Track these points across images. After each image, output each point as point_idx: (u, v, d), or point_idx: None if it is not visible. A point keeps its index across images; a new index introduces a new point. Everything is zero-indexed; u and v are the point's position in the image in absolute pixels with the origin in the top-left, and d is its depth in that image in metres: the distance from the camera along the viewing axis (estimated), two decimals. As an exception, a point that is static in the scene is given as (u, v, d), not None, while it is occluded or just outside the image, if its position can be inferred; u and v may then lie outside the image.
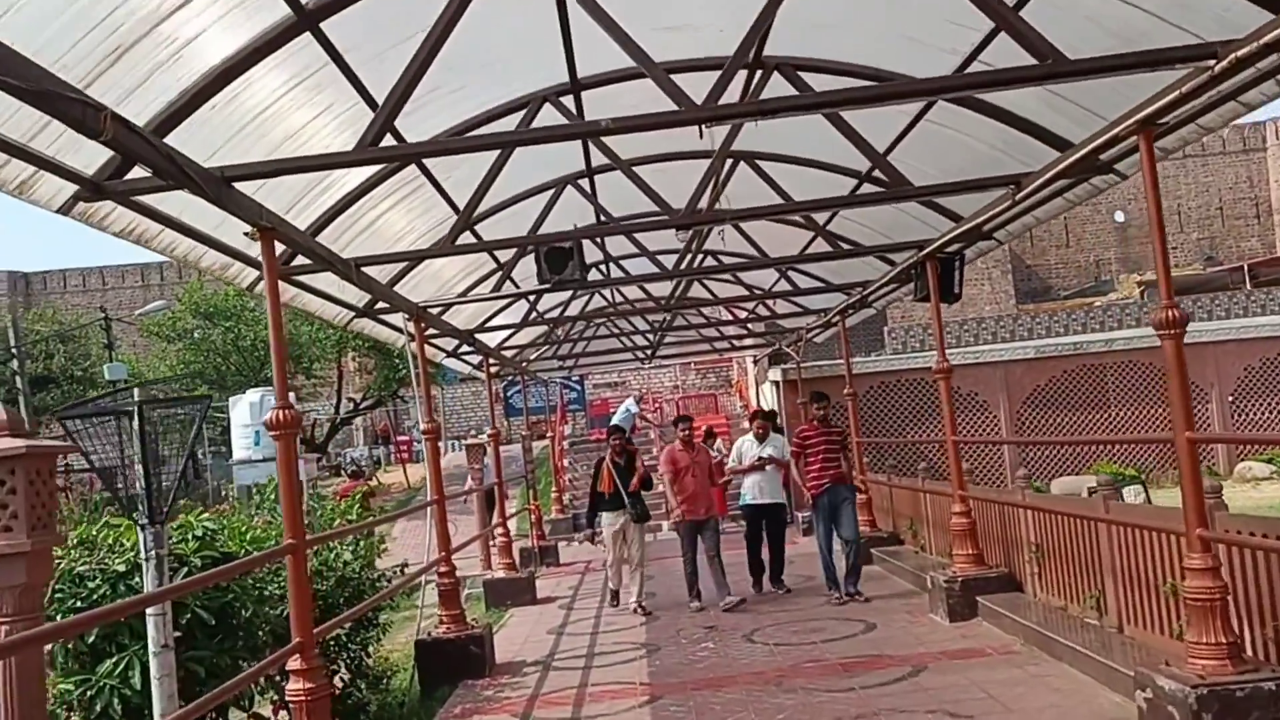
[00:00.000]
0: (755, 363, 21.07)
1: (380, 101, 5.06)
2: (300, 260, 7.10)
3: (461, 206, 7.84)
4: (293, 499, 5.26)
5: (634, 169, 8.08)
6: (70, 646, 5.77)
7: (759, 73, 7.07)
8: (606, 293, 15.28)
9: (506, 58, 6.83)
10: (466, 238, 7.88)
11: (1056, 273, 42.37)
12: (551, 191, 9.35)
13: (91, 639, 5.73)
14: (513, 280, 11.54)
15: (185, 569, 5.93)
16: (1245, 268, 38.84)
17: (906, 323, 24.99)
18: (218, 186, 4.71)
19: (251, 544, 6.85)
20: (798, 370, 17.45)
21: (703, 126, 4.81)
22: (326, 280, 7.80)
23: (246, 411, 18.78)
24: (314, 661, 5.19)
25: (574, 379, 30.83)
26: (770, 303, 15.05)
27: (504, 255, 10.44)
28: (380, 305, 9.44)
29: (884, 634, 8.64)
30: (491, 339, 14.00)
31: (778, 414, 15.34)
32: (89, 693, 5.68)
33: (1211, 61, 4.69)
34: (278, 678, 6.60)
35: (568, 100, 7.21)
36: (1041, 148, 6.97)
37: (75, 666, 5.85)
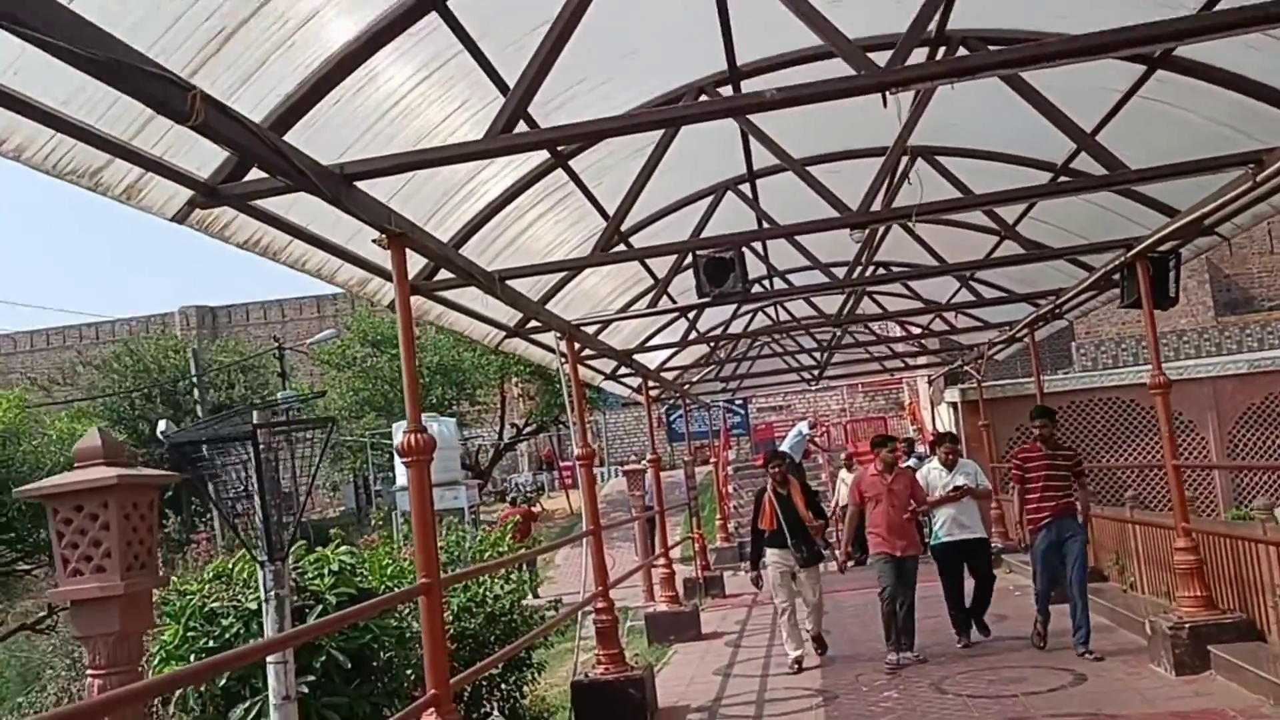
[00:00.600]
0: (931, 383, 19.87)
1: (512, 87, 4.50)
2: (442, 276, 6.67)
3: (612, 215, 7.27)
4: (428, 532, 4.72)
5: (803, 170, 7.33)
6: (203, 689, 5.41)
7: (942, 48, 6.26)
8: (770, 310, 14.55)
9: (655, 46, 6.23)
10: (619, 250, 7.27)
11: (1260, 282, 38.99)
12: (710, 199, 8.70)
13: (224, 681, 5.36)
14: (670, 296, 10.95)
15: (320, 607, 5.49)
16: None
17: (1096, 338, 23.17)
18: (337, 185, 4.23)
19: (392, 579, 6.40)
20: (979, 390, 16.21)
21: (886, 93, 4.03)
22: (472, 297, 7.36)
23: (408, 438, 18.90)
24: (451, 716, 4.62)
25: (737, 402, 30.10)
26: (949, 317, 13.97)
27: (660, 271, 9.86)
28: (531, 325, 8.98)
29: (1098, 688, 7.53)
30: (650, 360, 13.44)
31: (958, 438, 13.37)
32: (221, 741, 5.29)
33: None
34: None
35: (726, 91, 6.54)
36: (1287, 118, 5.89)
37: (210, 711, 5.48)
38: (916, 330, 15.84)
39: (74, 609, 3.45)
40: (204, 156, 4.21)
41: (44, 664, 17.55)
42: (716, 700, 8.63)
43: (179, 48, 3.67)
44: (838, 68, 4.41)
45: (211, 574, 5.83)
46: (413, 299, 6.76)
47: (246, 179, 4.34)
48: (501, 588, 7.47)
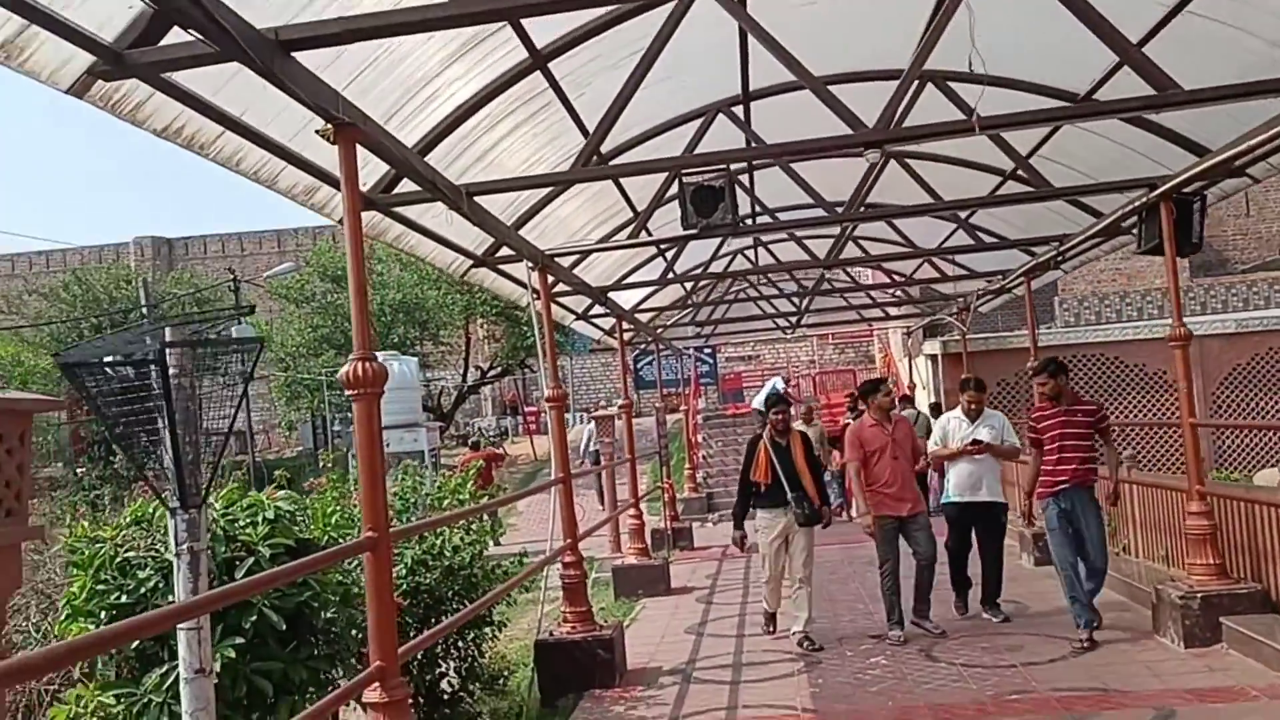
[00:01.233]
0: (910, 335, 19.31)
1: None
2: (402, 189, 5.90)
3: (592, 131, 6.50)
4: (376, 479, 4.02)
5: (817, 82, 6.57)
6: (115, 651, 4.70)
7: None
8: (750, 254, 13.85)
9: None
10: (602, 166, 6.52)
11: (1234, 244, 38.85)
12: (700, 121, 7.96)
13: (138, 642, 4.66)
14: (648, 230, 10.22)
15: (252, 560, 4.79)
16: None
17: (1073, 294, 22.72)
18: (271, 53, 3.47)
19: (338, 530, 5.70)
20: (963, 342, 15.64)
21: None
22: (435, 216, 6.59)
23: (368, 376, 18.02)
24: (397, 692, 3.96)
25: (705, 351, 29.45)
26: (938, 263, 13.35)
27: (640, 203, 9.11)
28: (502, 253, 8.23)
29: (1101, 659, 7.01)
30: (624, 302, 12.71)
31: (984, 384, 9.64)
32: (134, 709, 4.60)
33: None
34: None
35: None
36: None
37: (125, 674, 4.79)
38: (900, 278, 15.22)
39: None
40: (111, 8, 3.43)
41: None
42: (690, 662, 8.05)
43: None
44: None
45: (130, 518, 5.10)
46: (368, 215, 6.02)
47: (164, 43, 3.56)
48: (461, 539, 6.79)
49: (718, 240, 12.73)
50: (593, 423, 22.57)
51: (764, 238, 12.58)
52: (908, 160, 9.51)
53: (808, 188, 8.27)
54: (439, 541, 6.56)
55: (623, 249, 9.18)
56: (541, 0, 3.98)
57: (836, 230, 12.46)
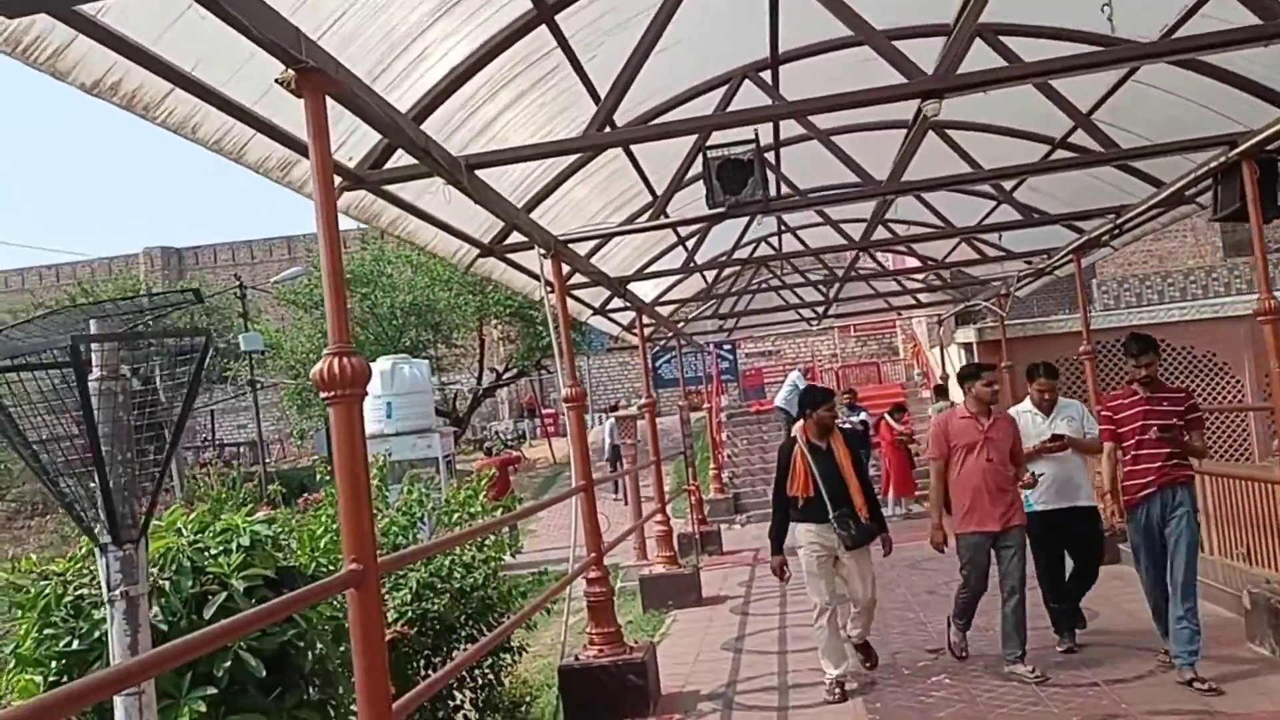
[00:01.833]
0: (941, 323, 18.51)
1: None
2: (393, 165, 5.20)
3: (605, 95, 5.77)
4: (360, 499, 3.31)
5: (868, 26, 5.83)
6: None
7: None
8: (774, 242, 13.10)
9: None
10: (619, 130, 5.78)
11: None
12: (724, 89, 7.24)
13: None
14: (666, 215, 9.50)
15: (225, 594, 4.08)
16: None
17: (1113, 275, 21.87)
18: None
19: (327, 555, 4.99)
20: (1001, 328, 14.82)
21: None
22: (433, 197, 5.88)
23: (377, 381, 17.17)
24: (393, 759, 3.25)
25: (725, 347, 28.68)
26: (977, 243, 12.55)
27: (660, 183, 8.38)
28: (511, 240, 7.52)
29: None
30: (643, 294, 11.98)
31: (1056, 370, 7.76)
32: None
33: None
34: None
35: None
36: None
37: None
38: (932, 263, 14.43)
39: None
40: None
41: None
42: (730, 684, 7.32)
43: None
44: None
45: (87, 549, 4.40)
46: (357, 194, 5.32)
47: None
48: (474, 556, 6.08)
49: (741, 227, 12.01)
50: (612, 418, 21.90)
51: (791, 222, 11.83)
52: (947, 131, 8.76)
53: (845, 158, 7.49)
54: (448, 562, 5.84)
55: (642, 232, 8.45)
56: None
57: (869, 212, 11.76)
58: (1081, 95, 7.48)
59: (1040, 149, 8.98)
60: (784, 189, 9.49)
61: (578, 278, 9.05)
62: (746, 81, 7.16)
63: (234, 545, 4.24)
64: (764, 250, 13.17)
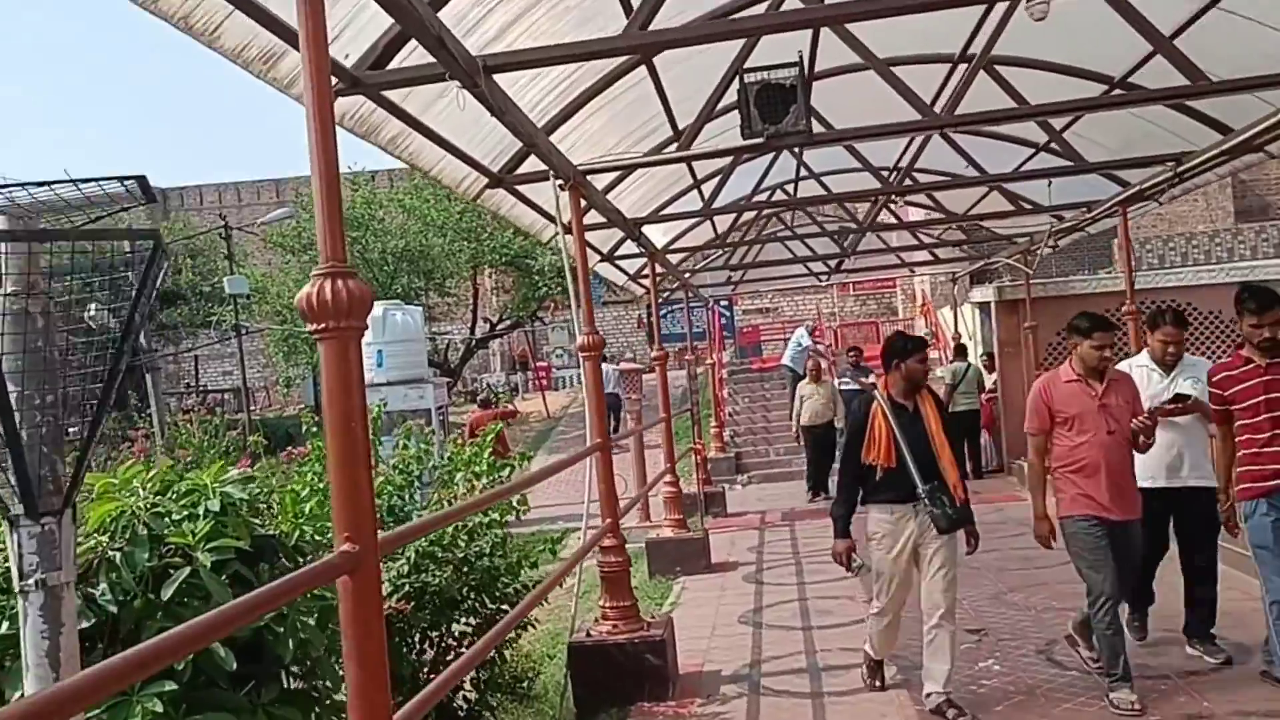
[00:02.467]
0: (955, 281, 17.78)
1: None
2: (395, 66, 4.43)
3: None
4: (356, 463, 2.59)
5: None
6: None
7: None
8: (790, 190, 12.32)
9: None
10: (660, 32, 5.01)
11: (1277, 188, 37.19)
12: (766, 3, 6.45)
13: None
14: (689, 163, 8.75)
15: (189, 570, 3.38)
16: None
17: (1143, 234, 21.16)
18: None
19: (313, 522, 4.28)
20: (1026, 286, 14.10)
21: None
22: (444, 122, 5.12)
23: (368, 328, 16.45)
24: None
25: (722, 304, 27.94)
26: (1008, 194, 11.81)
27: (686, 115, 7.60)
28: (523, 170, 6.77)
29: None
30: (653, 240, 11.22)
31: (1184, 318, 6.19)
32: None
33: None
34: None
35: None
36: None
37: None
38: (954, 215, 13.66)
39: None
40: None
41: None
42: (753, 664, 6.68)
43: None
44: None
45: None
46: (354, 101, 4.57)
47: None
48: (479, 522, 5.39)
49: (759, 173, 11.26)
50: (613, 366, 21.20)
51: (816, 167, 11.05)
52: (997, 68, 8.01)
53: (898, 84, 6.71)
54: (450, 529, 5.15)
55: (670, 164, 7.69)
56: None
57: (894, 160, 11.02)
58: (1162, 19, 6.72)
59: (1096, 89, 8.23)
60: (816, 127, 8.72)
61: (589, 219, 8.31)
62: (791, -2, 6.38)
63: (201, 510, 3.52)
64: (781, 199, 12.41)
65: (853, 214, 12.82)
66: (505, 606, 5.61)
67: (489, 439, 5.86)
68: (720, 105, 7.18)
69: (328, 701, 3.82)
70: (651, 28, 5.10)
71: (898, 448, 5.29)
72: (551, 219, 7.71)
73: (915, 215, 15.45)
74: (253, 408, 28.67)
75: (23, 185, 2.04)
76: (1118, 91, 7.99)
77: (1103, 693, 5.31)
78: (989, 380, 15.41)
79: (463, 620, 5.64)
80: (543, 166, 6.33)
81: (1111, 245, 19.48)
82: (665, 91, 7.33)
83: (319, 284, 2.54)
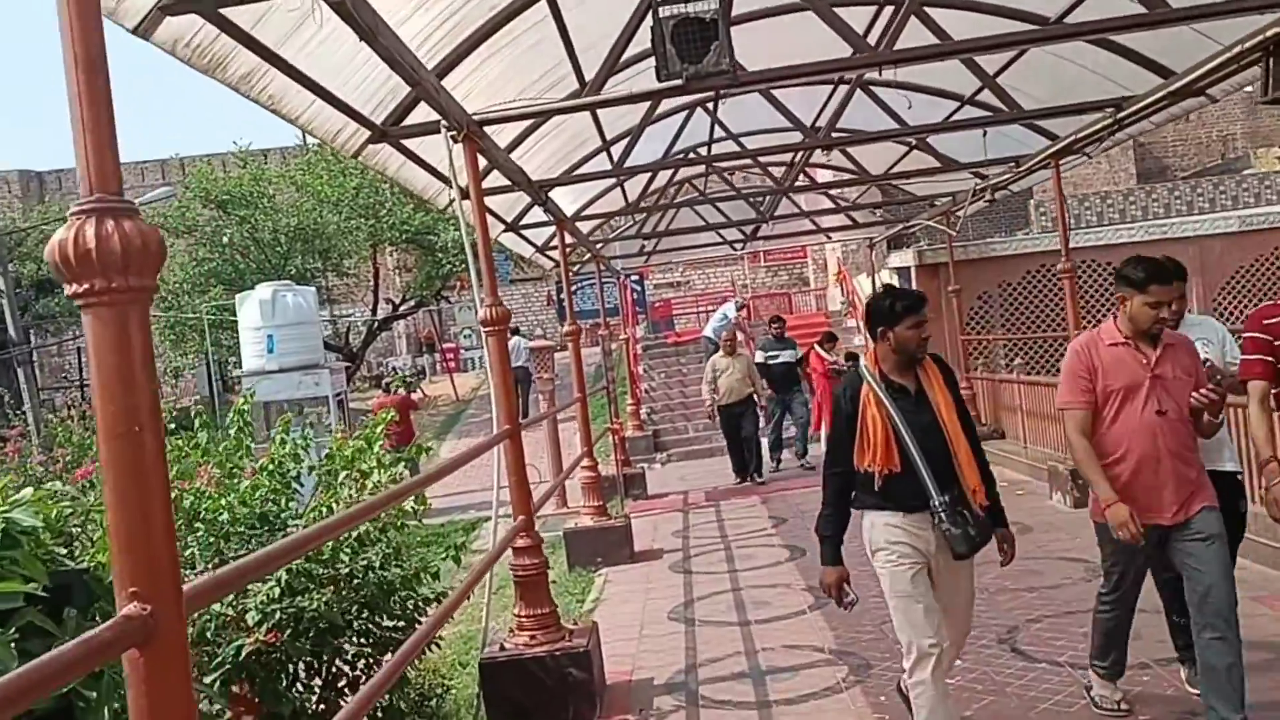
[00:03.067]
0: (872, 246, 17.33)
1: None
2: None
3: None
4: (149, 482, 1.79)
5: None
6: None
7: None
8: (703, 152, 11.62)
9: None
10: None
11: (1174, 150, 37.91)
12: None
13: None
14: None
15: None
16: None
17: (1051, 196, 20.92)
18: None
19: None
20: (949, 249, 13.65)
21: None
22: (313, 58, 4.27)
23: (256, 311, 15.11)
24: None
25: (633, 278, 27.25)
26: (931, 149, 11.29)
27: (592, 62, 6.81)
28: (411, 121, 5.92)
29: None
30: (566, 210, 10.41)
31: (1184, 268, 4.60)
32: None
33: None
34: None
35: None
36: None
37: None
38: (871, 176, 13.11)
39: None
40: None
41: None
42: (689, 669, 6.00)
43: None
44: None
45: None
46: (187, 21, 3.70)
47: None
48: (367, 530, 4.58)
49: (671, 134, 10.54)
50: (520, 340, 20.36)
51: (733, 126, 10.37)
52: (926, 10, 7.39)
53: (832, 18, 6.04)
54: (331, 543, 4.34)
55: (578, 111, 6.86)
56: None
57: (821, 114, 10.38)
58: None
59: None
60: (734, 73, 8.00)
61: (490, 182, 7.49)
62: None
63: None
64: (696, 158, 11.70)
65: (772, 176, 12.18)
66: (403, 624, 4.84)
67: (378, 430, 5.03)
68: (633, 52, 6.44)
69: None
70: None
71: (903, 447, 3.97)
72: (447, 181, 6.91)
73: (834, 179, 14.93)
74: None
75: None
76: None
77: (1082, 688, 4.75)
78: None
79: (356, 641, 4.85)
80: (434, 116, 5.50)
81: (1028, 206, 19.25)
82: (570, 36, 6.53)
83: (77, 226, 1.73)
